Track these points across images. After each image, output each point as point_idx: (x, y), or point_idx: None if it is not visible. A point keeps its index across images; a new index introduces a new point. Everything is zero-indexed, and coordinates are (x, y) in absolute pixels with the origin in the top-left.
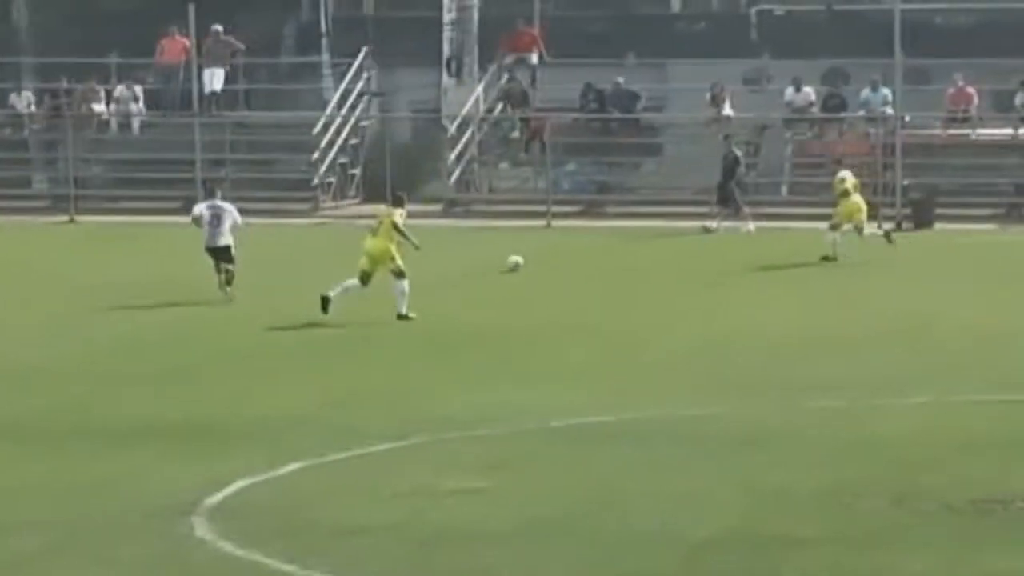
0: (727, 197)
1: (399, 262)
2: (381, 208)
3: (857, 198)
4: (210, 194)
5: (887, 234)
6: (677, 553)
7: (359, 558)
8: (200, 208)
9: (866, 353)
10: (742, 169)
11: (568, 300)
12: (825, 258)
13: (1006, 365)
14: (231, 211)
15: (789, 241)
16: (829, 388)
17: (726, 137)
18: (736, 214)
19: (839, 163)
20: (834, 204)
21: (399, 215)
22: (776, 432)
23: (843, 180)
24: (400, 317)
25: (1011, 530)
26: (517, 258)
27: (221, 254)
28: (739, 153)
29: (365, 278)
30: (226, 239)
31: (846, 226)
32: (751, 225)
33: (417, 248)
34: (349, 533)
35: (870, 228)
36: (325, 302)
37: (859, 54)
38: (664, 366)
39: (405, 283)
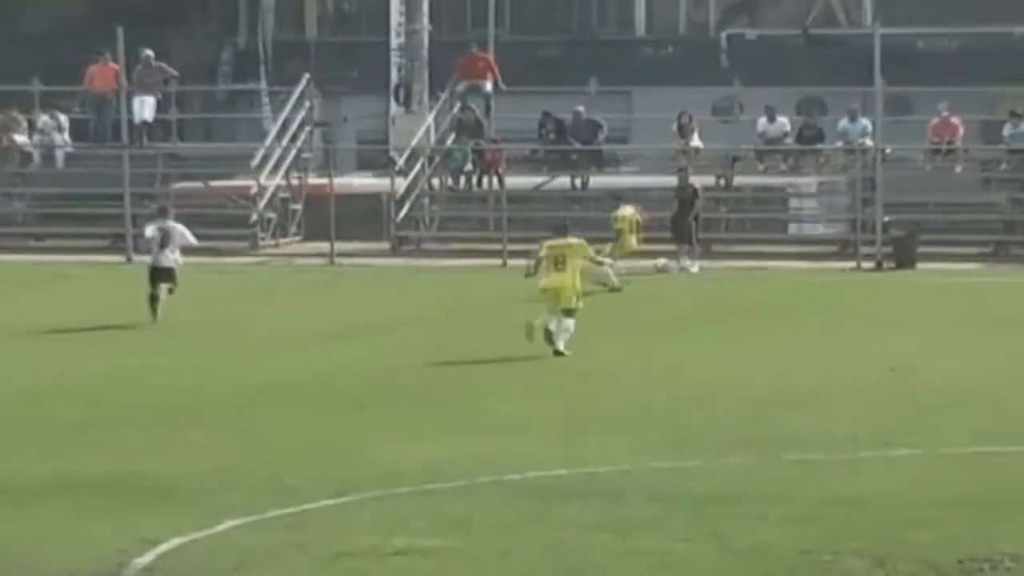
0: (685, 233)
1: (579, 299)
2: (546, 241)
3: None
4: (161, 214)
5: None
6: None
7: None
8: (150, 229)
9: (847, 403)
10: (700, 203)
11: (523, 346)
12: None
13: (992, 416)
14: (181, 232)
15: (762, 282)
16: (808, 440)
17: (681, 170)
18: (690, 249)
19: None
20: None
21: (584, 244)
22: (753, 487)
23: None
24: (557, 353)
25: None
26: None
27: (163, 275)
28: (697, 187)
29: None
30: (170, 261)
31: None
32: (696, 266)
33: (618, 289)
34: None
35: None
36: (549, 334)
37: (837, 82)
38: (630, 416)
39: (572, 321)
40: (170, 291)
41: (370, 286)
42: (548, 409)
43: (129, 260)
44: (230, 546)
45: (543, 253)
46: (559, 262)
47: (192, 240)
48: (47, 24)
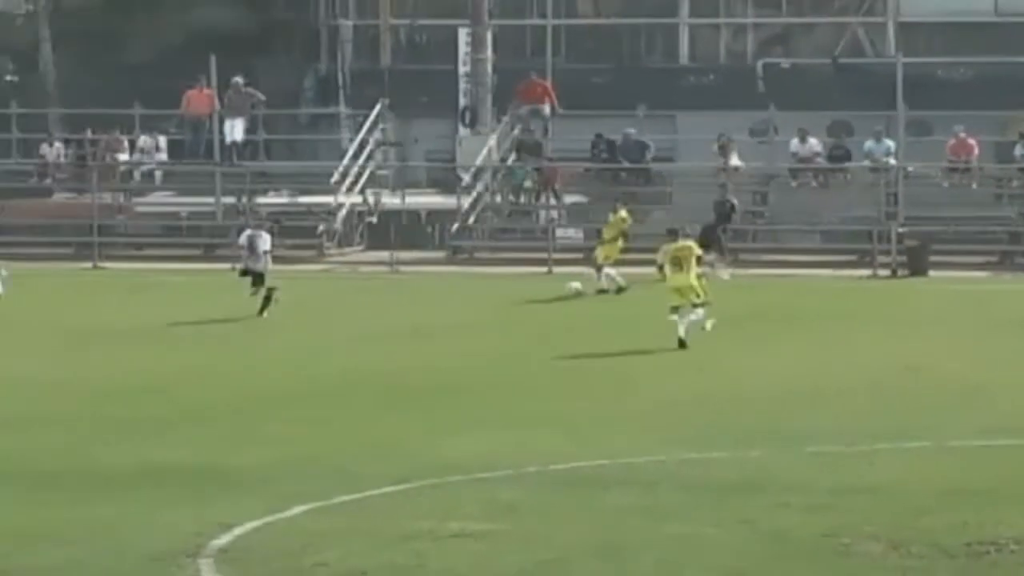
0: (715, 240)
1: (703, 293)
2: (665, 246)
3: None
4: (256, 223)
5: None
6: None
7: None
8: (243, 236)
9: (863, 400)
10: (736, 216)
11: (569, 347)
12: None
13: (998, 412)
14: (264, 238)
15: (786, 288)
16: (827, 434)
17: (722, 185)
18: (720, 258)
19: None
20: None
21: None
22: (775, 476)
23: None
24: (682, 344)
25: (1003, 573)
26: (576, 284)
27: (256, 277)
28: (735, 201)
29: (674, 312)
30: (259, 265)
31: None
32: (726, 273)
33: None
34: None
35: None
36: (681, 343)
37: (863, 106)
38: (663, 412)
39: (702, 311)
40: (267, 294)
41: (428, 291)
42: (589, 406)
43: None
44: (299, 529)
45: (663, 258)
46: (679, 263)
47: (268, 247)
48: (148, 54)
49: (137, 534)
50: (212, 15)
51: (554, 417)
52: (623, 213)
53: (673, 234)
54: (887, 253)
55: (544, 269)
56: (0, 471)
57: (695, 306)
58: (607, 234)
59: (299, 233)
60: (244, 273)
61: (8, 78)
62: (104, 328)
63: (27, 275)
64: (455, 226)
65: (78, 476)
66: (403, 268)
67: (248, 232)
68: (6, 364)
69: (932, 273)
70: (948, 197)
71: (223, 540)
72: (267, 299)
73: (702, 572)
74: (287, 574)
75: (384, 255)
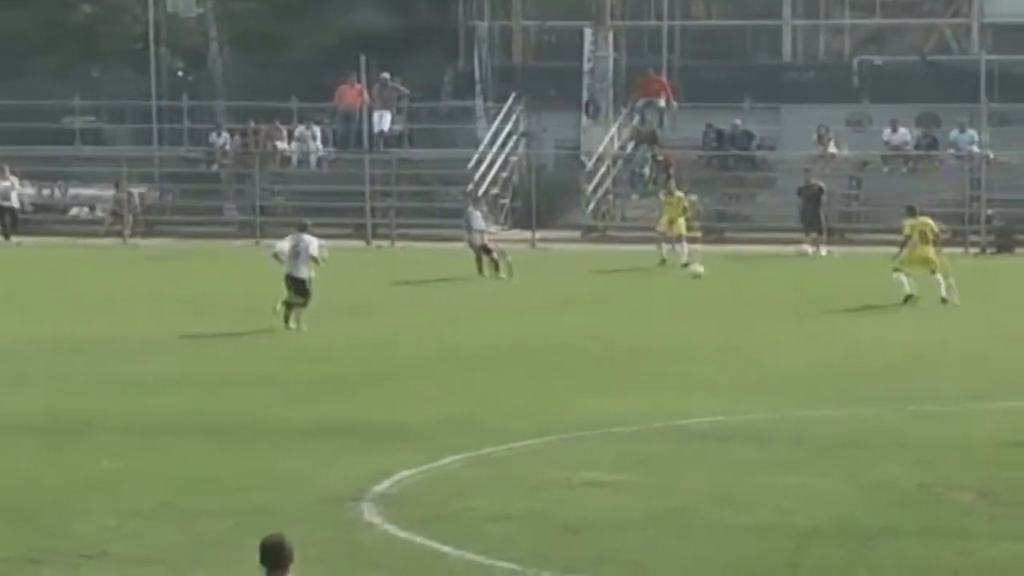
0: (815, 222)
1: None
2: (907, 221)
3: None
4: (300, 228)
5: None
6: (789, 542)
7: (506, 542)
8: (286, 242)
9: (961, 366)
10: (825, 198)
11: (692, 319)
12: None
13: None
14: (316, 244)
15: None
16: (927, 396)
17: (807, 171)
18: (819, 237)
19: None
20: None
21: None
22: (879, 433)
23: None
24: (944, 301)
25: None
26: (700, 268)
27: (298, 285)
28: (822, 185)
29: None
30: (303, 272)
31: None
32: (824, 250)
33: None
34: (497, 519)
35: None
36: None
37: (949, 99)
38: (779, 377)
39: (940, 276)
40: (303, 304)
41: (561, 267)
42: (712, 371)
43: (368, 245)
44: (450, 477)
45: (908, 232)
46: (924, 236)
47: (316, 252)
48: (305, 53)
49: (309, 482)
50: (363, 18)
51: (680, 380)
52: (679, 194)
53: (912, 211)
54: (976, 233)
55: (668, 247)
56: (194, 425)
57: (935, 272)
58: (670, 214)
59: (448, 213)
60: (289, 281)
61: (180, 74)
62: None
63: (197, 251)
64: (589, 208)
65: (260, 431)
66: (543, 245)
67: (292, 238)
68: (191, 328)
69: (1019, 251)
70: None
71: (383, 486)
72: (289, 305)
73: (810, 518)
74: (438, 517)
75: (527, 233)
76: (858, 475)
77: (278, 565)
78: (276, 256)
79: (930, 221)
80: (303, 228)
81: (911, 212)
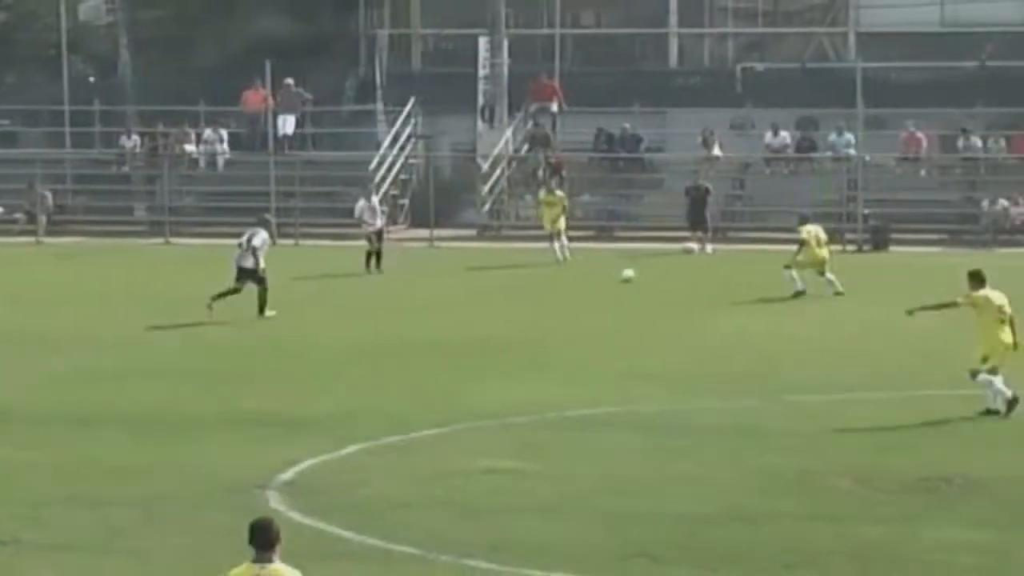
0: (701, 221)
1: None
2: (805, 227)
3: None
4: (261, 223)
5: None
6: (676, 526)
7: (406, 527)
8: (244, 237)
9: (837, 358)
10: (711, 199)
11: (584, 314)
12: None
13: (953, 367)
14: (261, 237)
15: (765, 262)
16: (805, 386)
17: (695, 172)
18: (704, 236)
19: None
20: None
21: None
22: (760, 422)
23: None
24: (839, 294)
25: (951, 505)
26: (630, 272)
27: (245, 275)
28: (709, 185)
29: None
30: (250, 262)
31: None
32: (709, 248)
33: None
34: (398, 505)
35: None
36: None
37: (826, 104)
38: (665, 369)
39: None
40: (261, 291)
41: (459, 265)
42: (603, 363)
43: (274, 243)
44: (353, 465)
45: (805, 236)
46: (819, 240)
47: (257, 243)
48: (211, 59)
49: (217, 470)
50: (267, 26)
51: (570, 372)
52: (560, 193)
53: (804, 219)
54: (853, 231)
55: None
56: (106, 417)
57: (822, 274)
58: (551, 213)
59: (349, 214)
60: (238, 271)
61: (91, 80)
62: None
63: (108, 250)
64: (485, 208)
65: (169, 421)
66: (440, 244)
67: (248, 233)
68: (112, 325)
69: (892, 248)
70: (900, 183)
71: (288, 475)
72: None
73: (698, 504)
74: (341, 504)
75: (425, 232)
76: (741, 463)
77: (266, 546)
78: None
79: (820, 229)
80: (261, 222)
81: (804, 220)
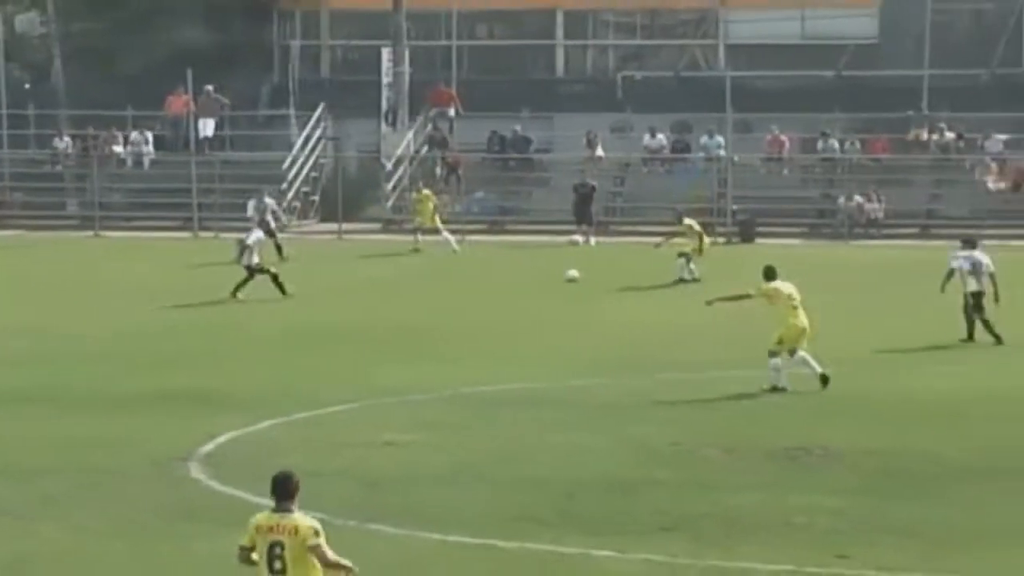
0: (587, 216)
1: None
2: (687, 220)
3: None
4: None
5: None
6: (560, 491)
7: (317, 495)
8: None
9: (706, 340)
10: (596, 195)
11: (475, 300)
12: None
13: (814, 348)
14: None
15: (644, 253)
16: (678, 365)
17: (582, 171)
18: (589, 229)
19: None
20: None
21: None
22: (636, 398)
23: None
24: (697, 280)
25: (811, 473)
26: (574, 273)
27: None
28: (594, 183)
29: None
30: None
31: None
32: (593, 240)
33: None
34: (308, 475)
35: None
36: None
37: (699, 109)
38: (551, 350)
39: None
40: (272, 277)
41: (361, 256)
42: (494, 346)
43: (195, 236)
44: (266, 439)
45: (684, 229)
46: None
47: (251, 241)
48: (137, 67)
49: (143, 444)
50: (188, 37)
51: (466, 354)
52: (427, 192)
53: (680, 216)
54: (723, 225)
55: (458, 238)
56: (41, 395)
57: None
58: (423, 210)
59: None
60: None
61: (26, 86)
62: (114, 285)
63: (43, 242)
64: (389, 204)
65: (99, 400)
66: (348, 236)
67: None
68: (39, 312)
69: (759, 241)
70: (766, 181)
71: (208, 447)
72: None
73: (579, 471)
74: (255, 473)
75: (333, 226)
76: (618, 434)
77: (286, 496)
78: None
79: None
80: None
81: (680, 216)
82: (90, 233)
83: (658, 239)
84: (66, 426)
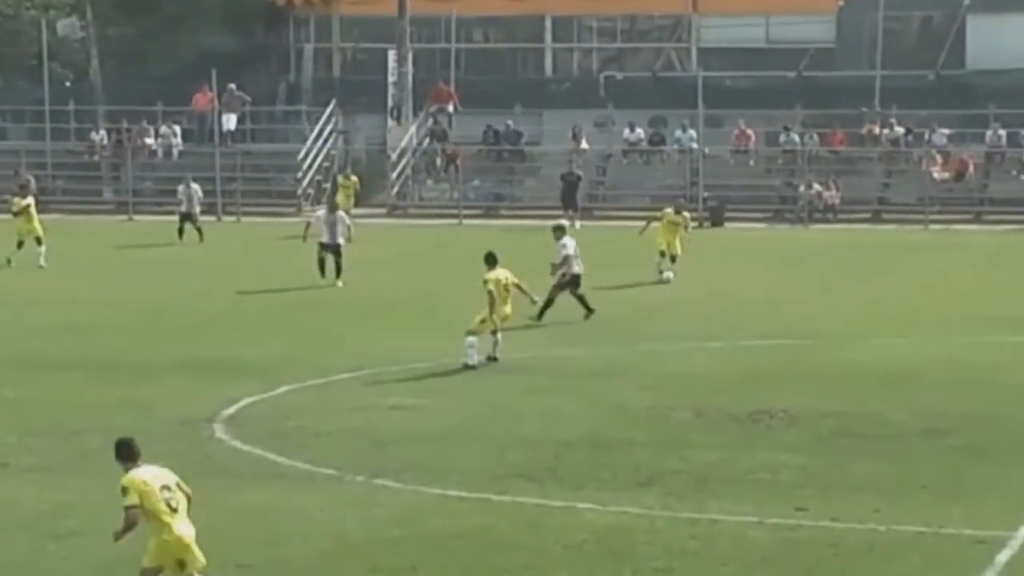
0: (573, 202)
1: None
2: (666, 210)
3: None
4: (331, 209)
5: None
6: (548, 451)
7: (327, 452)
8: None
9: (682, 315)
10: (582, 184)
11: (471, 277)
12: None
13: (777, 321)
14: (342, 218)
15: (623, 236)
16: (655, 337)
17: (569, 162)
18: (574, 214)
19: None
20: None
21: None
22: (617, 367)
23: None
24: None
25: (773, 434)
26: (670, 273)
27: (332, 248)
28: (580, 173)
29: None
30: (337, 239)
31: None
32: (578, 224)
33: None
34: (320, 435)
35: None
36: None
37: (674, 106)
38: (541, 322)
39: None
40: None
41: (371, 237)
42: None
43: (219, 220)
44: (283, 403)
45: (660, 216)
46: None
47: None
48: (167, 68)
49: (170, 407)
50: (213, 40)
51: (462, 327)
52: (354, 178)
53: (678, 208)
54: (695, 211)
55: (456, 222)
56: (76, 363)
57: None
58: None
59: (281, 196)
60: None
61: (67, 84)
62: (147, 263)
63: (84, 225)
64: (393, 191)
65: (130, 366)
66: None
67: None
68: (78, 287)
69: (727, 225)
70: (733, 171)
71: (231, 410)
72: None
73: (564, 432)
74: (273, 434)
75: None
76: (600, 399)
77: (130, 457)
78: (311, 224)
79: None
80: (333, 208)
81: (679, 208)
82: (124, 217)
83: (643, 224)
84: (101, 391)
